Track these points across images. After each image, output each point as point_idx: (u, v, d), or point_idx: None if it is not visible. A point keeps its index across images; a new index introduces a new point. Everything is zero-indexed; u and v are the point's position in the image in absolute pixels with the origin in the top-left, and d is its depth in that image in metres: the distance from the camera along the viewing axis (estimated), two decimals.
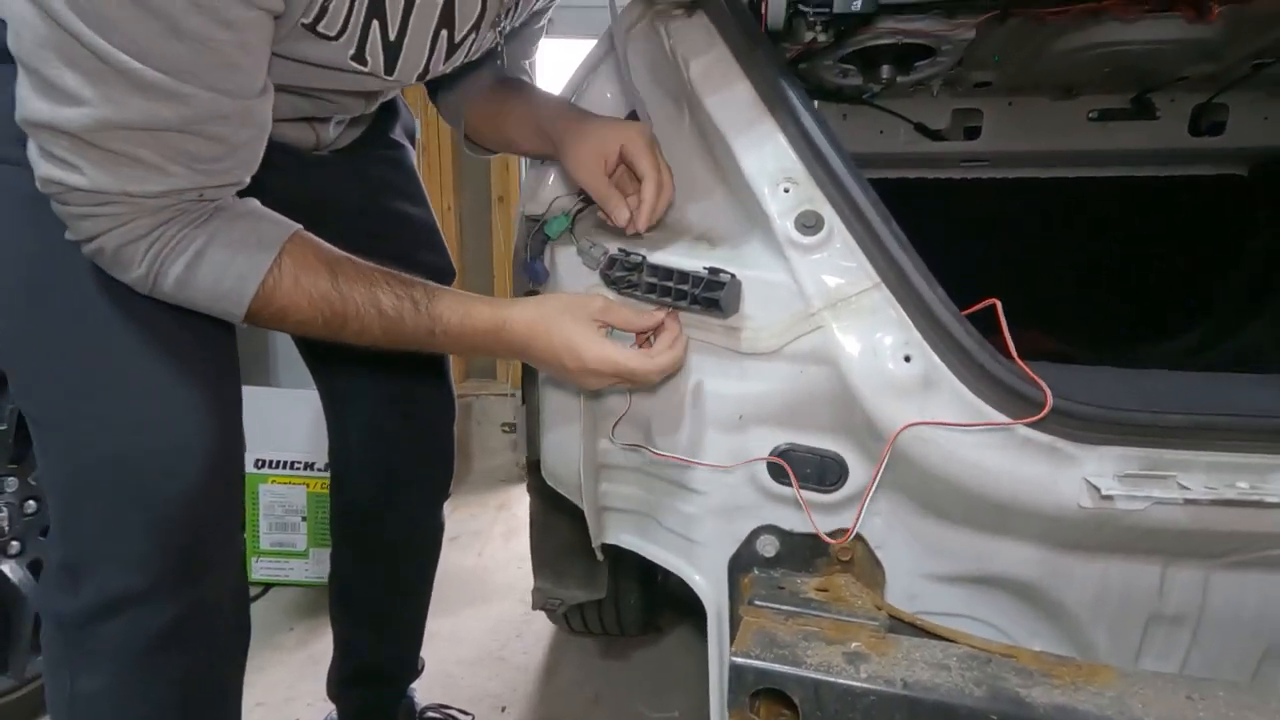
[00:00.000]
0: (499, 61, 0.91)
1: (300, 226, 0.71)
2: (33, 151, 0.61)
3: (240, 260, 0.67)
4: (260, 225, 0.70)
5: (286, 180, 0.79)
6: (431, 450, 1.15)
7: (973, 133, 1.48)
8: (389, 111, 1.03)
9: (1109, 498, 0.61)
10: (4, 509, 1.35)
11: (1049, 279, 1.53)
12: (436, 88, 1.00)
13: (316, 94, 0.80)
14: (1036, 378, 0.62)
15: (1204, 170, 1.53)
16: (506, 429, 2.70)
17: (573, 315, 0.73)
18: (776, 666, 0.61)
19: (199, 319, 0.71)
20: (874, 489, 0.74)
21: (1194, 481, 0.61)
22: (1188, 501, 0.61)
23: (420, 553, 1.21)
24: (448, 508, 1.22)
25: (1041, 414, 0.61)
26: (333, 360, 1.07)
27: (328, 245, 0.72)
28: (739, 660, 0.62)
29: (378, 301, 0.71)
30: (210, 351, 0.76)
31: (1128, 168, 1.53)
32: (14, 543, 1.37)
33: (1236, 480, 0.61)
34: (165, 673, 0.74)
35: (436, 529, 1.22)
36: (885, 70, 1.14)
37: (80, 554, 0.71)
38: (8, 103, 0.59)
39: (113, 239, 0.64)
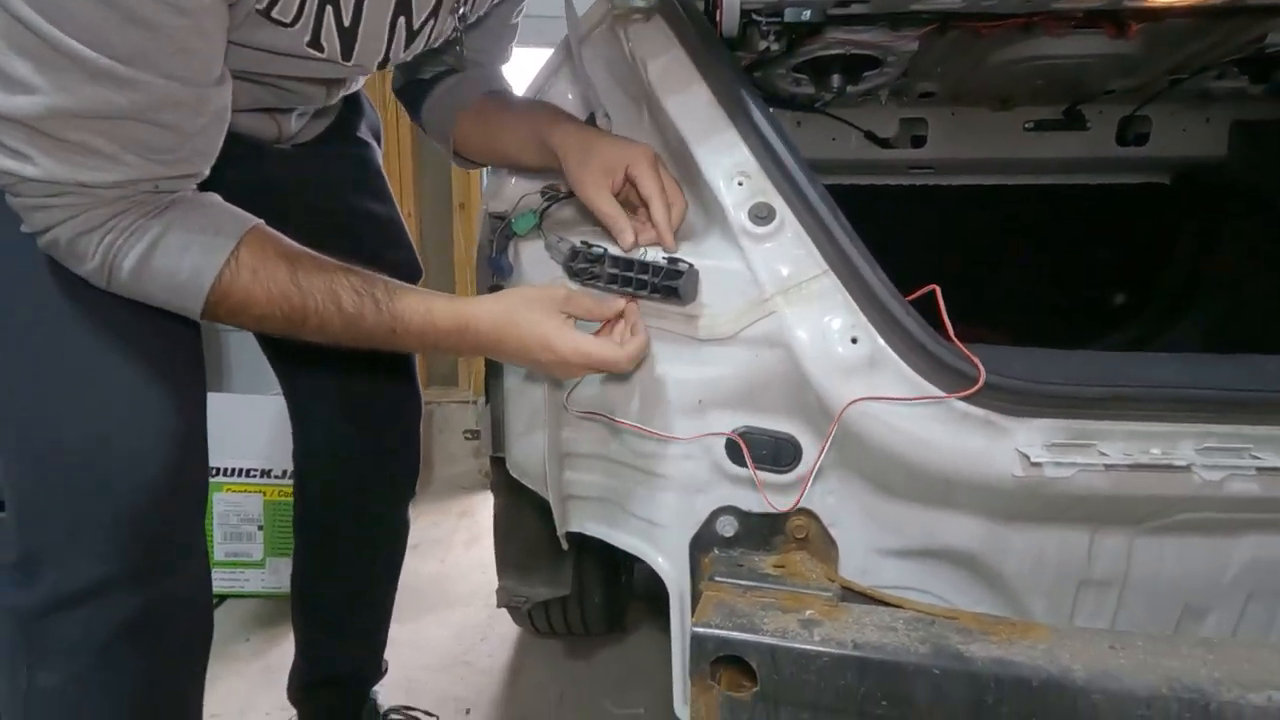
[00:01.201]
0: (458, 49, 0.91)
1: (260, 221, 0.71)
2: None
3: (195, 252, 0.66)
4: (217, 218, 0.69)
5: (246, 175, 0.78)
6: (397, 450, 1.15)
7: (919, 141, 1.56)
8: (354, 108, 1.03)
9: (1038, 465, 0.66)
10: None
11: (991, 280, 1.61)
12: (420, 102, 1.00)
13: (276, 82, 0.79)
14: (971, 355, 0.67)
15: (1131, 179, 1.63)
16: (469, 436, 2.69)
17: (540, 307, 0.73)
18: (735, 634, 0.64)
19: (160, 312, 0.70)
20: (828, 468, 0.78)
21: (1113, 449, 0.67)
22: (1108, 467, 0.66)
23: (385, 553, 1.21)
24: (408, 515, 1.22)
25: (975, 388, 0.66)
26: (297, 360, 1.06)
27: (287, 240, 0.72)
28: (699, 630, 0.65)
29: (337, 298, 0.70)
30: (172, 343, 0.75)
31: (1062, 175, 1.63)
32: None
33: (1150, 447, 0.67)
34: (127, 668, 0.73)
35: (401, 529, 1.21)
36: (835, 79, 1.20)
37: (39, 545, 0.70)
38: None
39: (67, 230, 0.63)
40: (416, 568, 2.00)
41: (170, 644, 0.77)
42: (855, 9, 0.96)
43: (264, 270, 0.68)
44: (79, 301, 0.69)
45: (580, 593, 1.39)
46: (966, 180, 1.64)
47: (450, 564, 2.08)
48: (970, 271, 1.61)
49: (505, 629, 1.70)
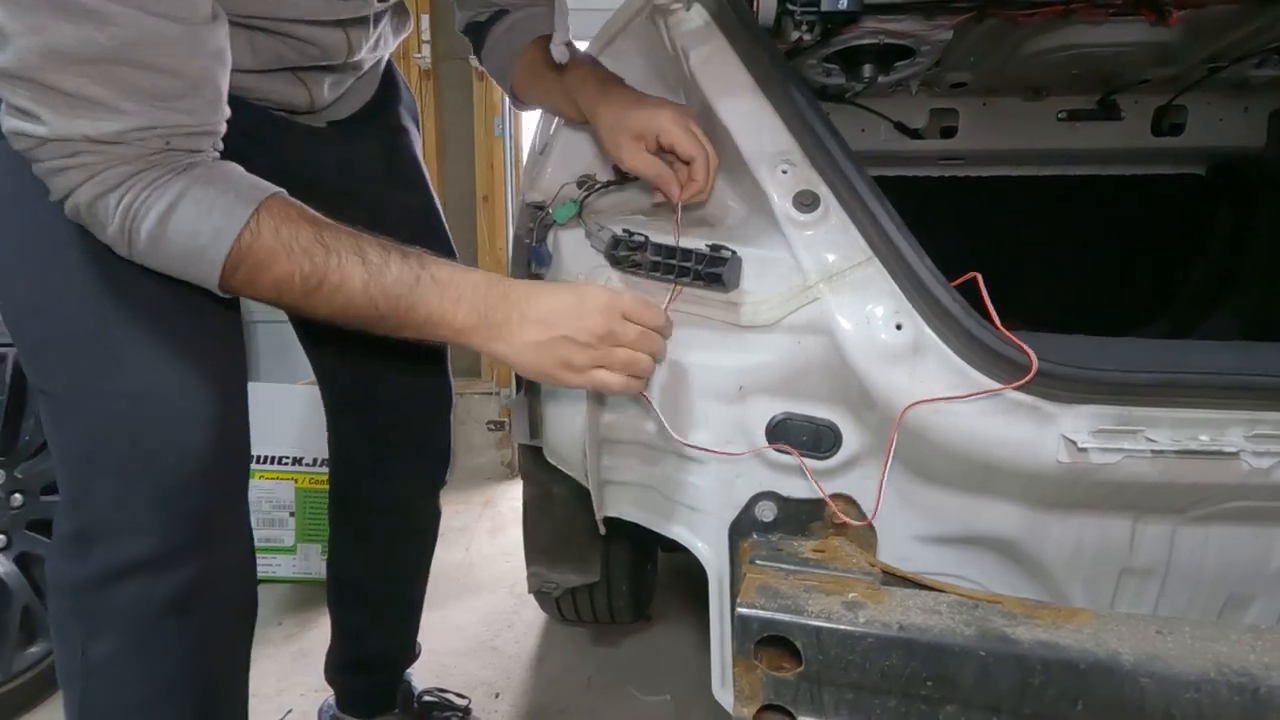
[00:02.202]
0: None
1: (283, 190, 0.70)
2: (2, 109, 0.61)
3: (216, 214, 0.65)
4: (238, 183, 0.68)
5: (277, 160, 0.77)
6: (429, 438, 1.16)
7: (949, 132, 1.54)
8: (390, 88, 1.03)
9: (1084, 451, 0.66)
10: None
11: (1021, 273, 1.59)
12: (481, 45, 1.00)
13: (284, 28, 0.77)
14: (1020, 342, 0.67)
15: (1165, 169, 1.61)
16: (492, 427, 2.72)
17: (584, 282, 0.75)
18: (780, 615, 0.65)
19: (199, 291, 0.70)
20: (868, 455, 0.78)
21: (1160, 435, 0.67)
22: (1155, 454, 0.66)
23: (417, 539, 1.23)
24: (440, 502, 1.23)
25: (1028, 376, 0.66)
26: (331, 346, 1.07)
27: (311, 210, 0.70)
28: (744, 611, 0.65)
29: (363, 251, 0.68)
30: (212, 321, 0.76)
31: (1095, 166, 1.61)
32: (0, 536, 1.36)
33: (1199, 434, 0.67)
34: (178, 638, 0.75)
35: (433, 515, 1.23)
36: (867, 70, 1.19)
37: (91, 520, 0.72)
38: None
39: (85, 192, 0.63)
40: (442, 556, 2.00)
41: (217, 617, 0.79)
42: None
43: (286, 229, 0.67)
44: (121, 279, 0.70)
45: (608, 580, 1.40)
46: (998, 171, 1.62)
47: (475, 552, 2.11)
48: (1000, 263, 1.59)
49: (531, 616, 1.73)
